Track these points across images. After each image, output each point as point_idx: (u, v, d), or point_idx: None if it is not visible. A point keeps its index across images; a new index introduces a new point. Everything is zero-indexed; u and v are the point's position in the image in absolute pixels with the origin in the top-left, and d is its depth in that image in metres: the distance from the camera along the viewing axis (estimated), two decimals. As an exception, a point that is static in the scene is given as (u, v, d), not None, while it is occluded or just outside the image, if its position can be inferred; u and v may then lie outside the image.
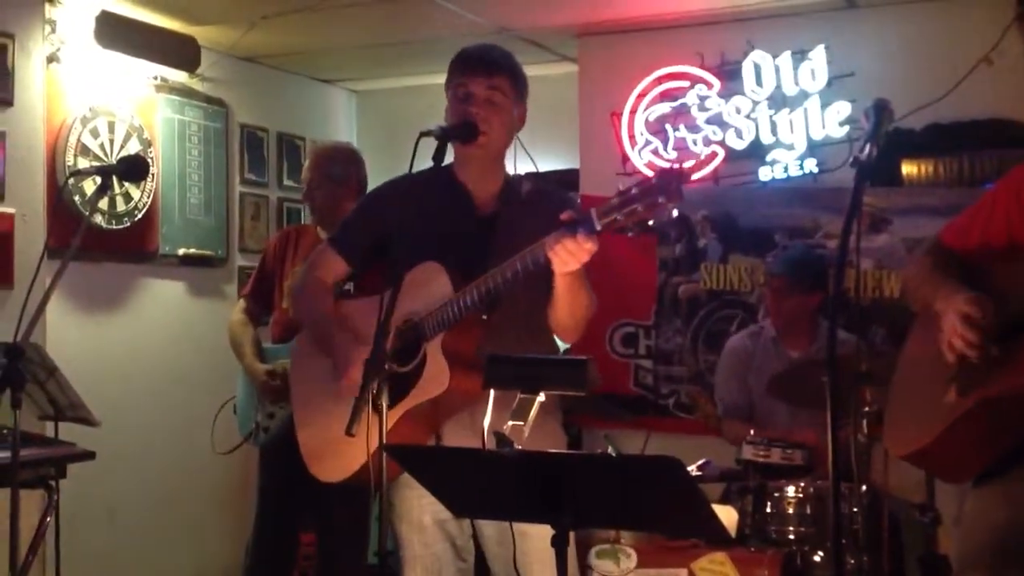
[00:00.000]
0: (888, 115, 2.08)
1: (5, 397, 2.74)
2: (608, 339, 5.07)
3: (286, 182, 5.76)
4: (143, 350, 4.93)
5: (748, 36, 4.83)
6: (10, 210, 4.28)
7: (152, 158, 4.89)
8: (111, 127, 4.70)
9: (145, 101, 4.93)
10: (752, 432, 3.81)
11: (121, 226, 4.73)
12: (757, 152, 4.84)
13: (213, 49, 5.22)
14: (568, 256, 2.33)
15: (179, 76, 5.10)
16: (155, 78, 4.99)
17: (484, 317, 2.53)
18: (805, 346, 4.17)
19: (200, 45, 5.06)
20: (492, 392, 2.28)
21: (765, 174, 4.82)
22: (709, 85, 4.91)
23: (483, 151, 2.66)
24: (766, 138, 4.81)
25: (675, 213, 2.24)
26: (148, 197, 4.86)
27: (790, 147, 4.78)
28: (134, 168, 3.13)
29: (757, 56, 4.79)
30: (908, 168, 4.63)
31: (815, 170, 4.74)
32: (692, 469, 3.72)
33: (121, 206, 4.73)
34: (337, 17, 4.81)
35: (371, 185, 3.79)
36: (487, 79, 2.65)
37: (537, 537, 2.26)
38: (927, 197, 4.54)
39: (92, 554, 4.53)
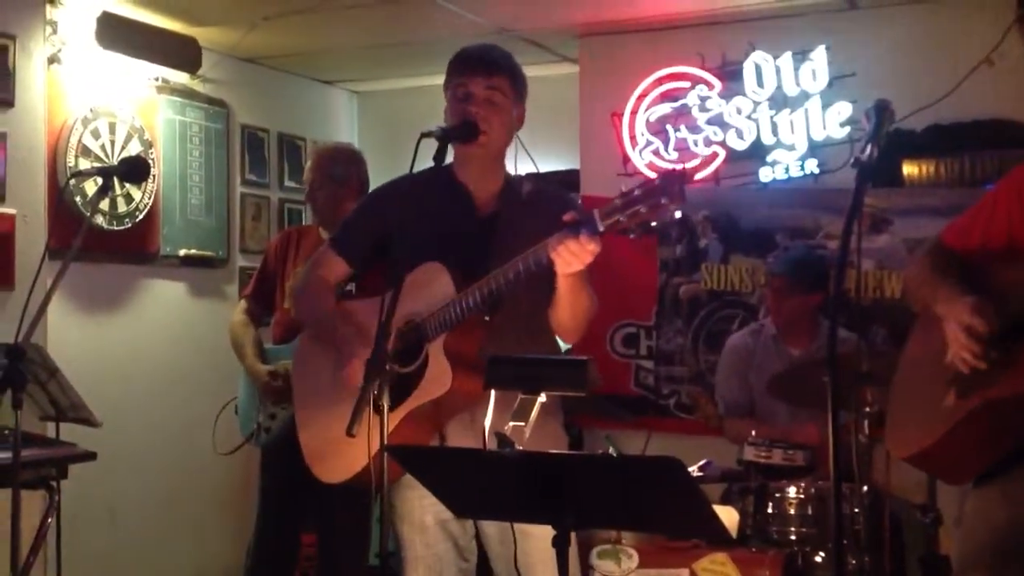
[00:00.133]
0: (889, 116, 2.08)
1: (6, 398, 2.74)
2: (609, 339, 5.07)
3: (287, 183, 5.77)
4: (144, 351, 4.93)
5: (749, 37, 4.82)
6: (11, 211, 4.27)
7: (153, 159, 4.89)
8: (112, 128, 4.70)
9: (146, 102, 4.93)
10: (754, 432, 3.81)
11: (122, 227, 4.73)
12: (758, 153, 4.83)
13: (214, 50, 5.22)
14: (571, 257, 2.33)
15: (180, 77, 5.10)
16: (156, 79, 4.99)
17: (486, 318, 2.53)
18: (806, 344, 4.17)
19: (201, 46, 5.07)
20: (493, 393, 2.28)
21: (766, 175, 4.82)
22: (710, 86, 4.91)
23: (483, 151, 2.66)
24: (767, 139, 4.80)
25: (678, 214, 2.24)
26: (149, 198, 4.85)
27: (791, 148, 4.77)
28: (135, 169, 3.12)
29: (758, 57, 4.78)
30: (909, 169, 4.63)
31: (816, 171, 4.74)
32: (693, 470, 3.72)
33: (122, 207, 4.73)
34: (338, 18, 4.82)
35: (372, 185, 3.79)
36: (487, 79, 2.65)
37: (539, 537, 2.25)
38: (928, 198, 4.54)
39: (93, 555, 4.53)
